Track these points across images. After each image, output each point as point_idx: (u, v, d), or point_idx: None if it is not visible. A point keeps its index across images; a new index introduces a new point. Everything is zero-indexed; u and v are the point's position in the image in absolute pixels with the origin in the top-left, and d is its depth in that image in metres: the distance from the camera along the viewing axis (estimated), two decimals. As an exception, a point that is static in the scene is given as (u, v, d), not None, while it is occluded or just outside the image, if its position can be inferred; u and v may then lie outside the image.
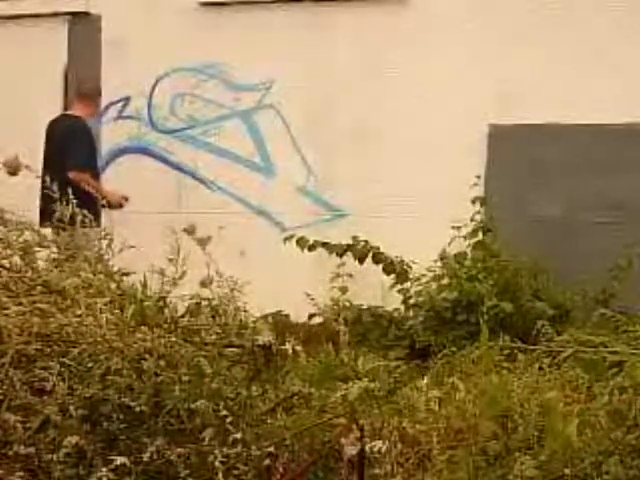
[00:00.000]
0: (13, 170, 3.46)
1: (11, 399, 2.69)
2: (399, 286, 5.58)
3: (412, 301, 5.56)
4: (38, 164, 3.85)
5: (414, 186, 6.01)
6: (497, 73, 5.83)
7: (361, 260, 5.55)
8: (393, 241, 5.64)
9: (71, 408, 2.69)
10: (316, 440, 3.00)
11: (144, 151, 6.88)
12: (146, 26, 6.73)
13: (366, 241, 5.57)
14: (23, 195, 4.85)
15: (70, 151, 5.82)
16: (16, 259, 3.25)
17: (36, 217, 4.54)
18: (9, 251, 3.21)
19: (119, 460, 2.57)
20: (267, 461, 2.79)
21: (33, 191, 4.54)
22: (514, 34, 5.84)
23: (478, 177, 5.69)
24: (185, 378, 2.83)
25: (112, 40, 6.83)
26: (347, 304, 5.74)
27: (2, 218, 3.26)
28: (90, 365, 2.80)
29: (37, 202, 5.19)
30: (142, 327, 2.97)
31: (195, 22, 6.65)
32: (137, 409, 2.72)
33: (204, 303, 3.44)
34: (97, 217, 5.48)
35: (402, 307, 5.64)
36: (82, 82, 6.44)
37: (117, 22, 6.84)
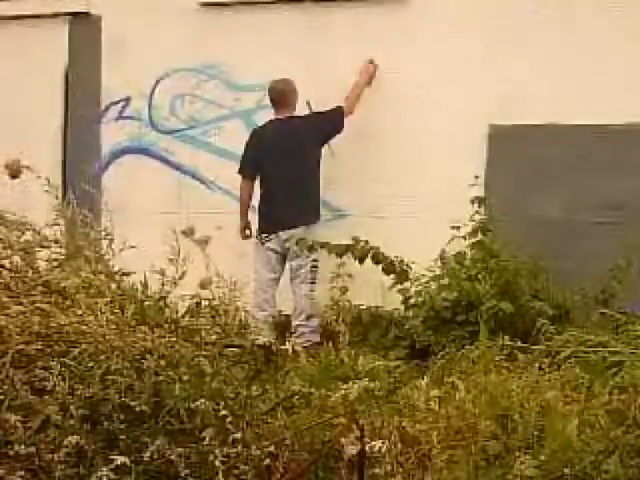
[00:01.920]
0: (14, 172, 3.48)
1: (11, 399, 2.70)
2: (399, 286, 5.58)
3: (412, 301, 5.55)
4: (40, 164, 3.84)
5: (414, 186, 6.01)
6: (497, 73, 5.83)
7: (361, 260, 5.55)
8: (393, 241, 5.64)
9: (71, 408, 2.69)
10: (316, 440, 3.00)
11: (144, 151, 6.88)
12: (146, 26, 6.73)
13: (366, 241, 5.57)
14: (23, 195, 4.87)
15: None
16: (17, 259, 3.26)
17: (35, 217, 4.49)
18: (10, 251, 3.22)
19: (119, 460, 2.58)
20: (267, 461, 2.80)
21: (32, 190, 4.52)
22: (514, 34, 5.83)
23: (477, 177, 5.68)
24: (185, 378, 2.84)
25: (112, 40, 6.83)
26: (347, 304, 5.75)
27: (3, 218, 3.27)
28: (90, 365, 2.80)
29: (39, 202, 5.16)
30: (142, 327, 2.98)
31: (195, 22, 6.65)
32: (137, 409, 2.72)
33: (204, 303, 3.44)
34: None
35: (402, 307, 5.64)
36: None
37: (117, 22, 6.84)
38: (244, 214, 6.16)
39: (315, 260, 5.87)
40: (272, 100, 6.13)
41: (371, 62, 6.17)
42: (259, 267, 6.03)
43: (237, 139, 6.45)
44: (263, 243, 6.00)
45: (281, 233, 5.92)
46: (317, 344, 5.37)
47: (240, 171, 6.12)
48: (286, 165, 5.92)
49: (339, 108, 6.08)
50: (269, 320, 5.56)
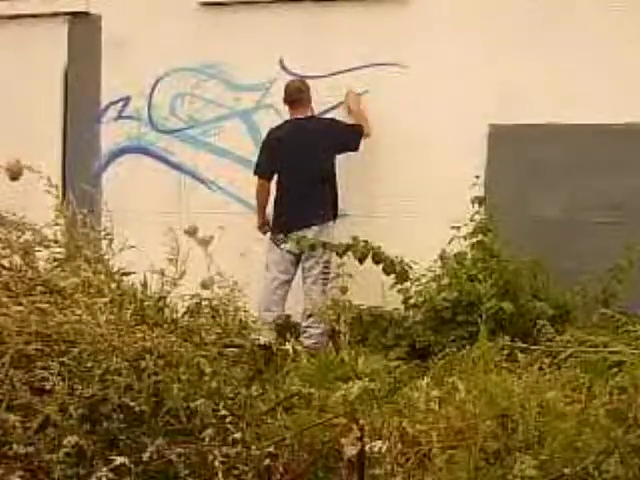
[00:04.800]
0: (15, 174, 3.48)
1: (11, 399, 2.70)
2: (399, 286, 5.58)
3: (412, 301, 5.55)
4: (40, 164, 3.83)
5: (414, 186, 6.01)
6: (497, 73, 5.83)
7: (361, 260, 5.55)
8: (393, 241, 5.64)
9: (71, 408, 2.69)
10: (316, 440, 3.00)
11: (144, 151, 6.87)
12: (146, 26, 6.73)
13: (366, 241, 5.57)
14: (23, 195, 4.86)
15: None
16: (16, 259, 3.25)
17: (35, 216, 4.48)
18: (10, 251, 3.21)
19: (119, 460, 2.57)
20: (267, 461, 2.80)
21: (32, 190, 4.52)
22: (514, 34, 5.83)
23: (477, 177, 5.68)
24: (185, 378, 2.83)
25: (112, 40, 6.83)
26: (347, 304, 5.74)
27: (3, 218, 3.27)
28: (90, 365, 2.80)
29: (37, 201, 5.16)
30: (142, 327, 2.98)
31: (195, 22, 6.65)
32: (137, 409, 2.72)
33: (204, 303, 3.44)
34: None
35: (402, 307, 5.64)
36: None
37: (117, 22, 6.84)
38: (262, 213, 6.09)
39: (327, 262, 5.84)
40: (289, 100, 6.07)
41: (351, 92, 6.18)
42: (271, 267, 5.97)
43: (237, 139, 6.46)
44: (278, 244, 5.95)
45: (295, 234, 5.86)
46: (325, 346, 5.35)
47: (256, 172, 6.05)
48: (302, 165, 5.87)
49: (358, 127, 6.04)
50: (274, 321, 5.54)
